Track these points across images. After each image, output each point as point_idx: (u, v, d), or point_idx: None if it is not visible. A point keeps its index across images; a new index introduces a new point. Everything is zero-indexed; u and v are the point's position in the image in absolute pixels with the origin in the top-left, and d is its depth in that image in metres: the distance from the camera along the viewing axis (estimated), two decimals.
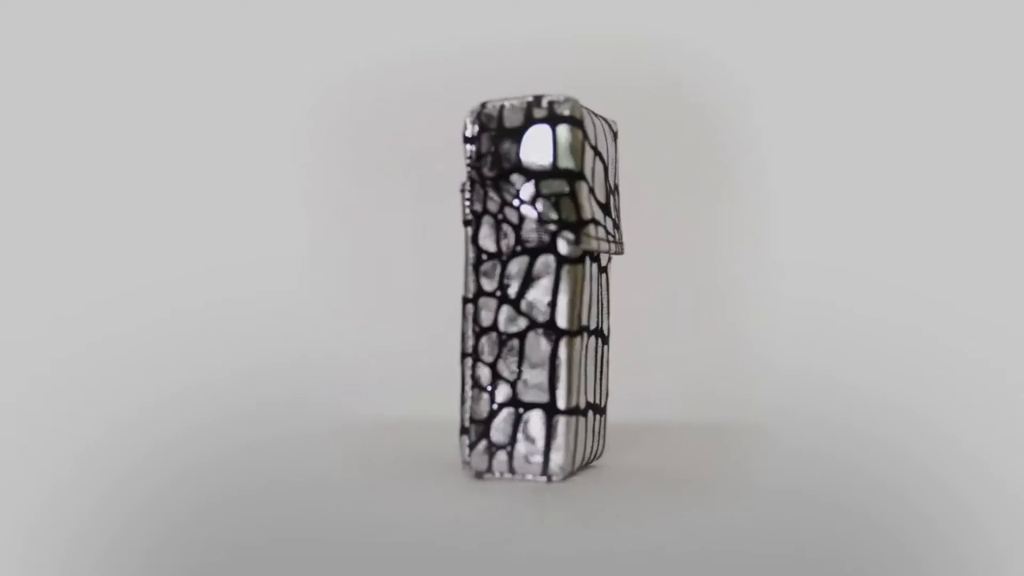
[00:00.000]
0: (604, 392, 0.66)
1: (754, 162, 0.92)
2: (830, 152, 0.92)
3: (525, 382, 0.62)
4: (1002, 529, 0.58)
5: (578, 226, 0.60)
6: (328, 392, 0.84)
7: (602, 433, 0.67)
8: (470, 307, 0.62)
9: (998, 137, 0.91)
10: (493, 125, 0.61)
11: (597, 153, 0.63)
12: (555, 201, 0.61)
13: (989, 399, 0.80)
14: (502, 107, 0.62)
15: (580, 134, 0.61)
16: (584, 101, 0.66)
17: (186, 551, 0.53)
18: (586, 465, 0.66)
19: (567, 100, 0.61)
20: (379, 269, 0.89)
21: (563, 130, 0.61)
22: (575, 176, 0.61)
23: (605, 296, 0.66)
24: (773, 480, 0.66)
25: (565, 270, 0.61)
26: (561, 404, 0.61)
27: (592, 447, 0.66)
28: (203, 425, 0.76)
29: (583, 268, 0.62)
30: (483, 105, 0.62)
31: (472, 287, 0.62)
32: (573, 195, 0.60)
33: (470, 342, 0.63)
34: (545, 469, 0.62)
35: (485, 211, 0.62)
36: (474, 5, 0.92)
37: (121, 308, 0.88)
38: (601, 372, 0.66)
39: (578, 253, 0.61)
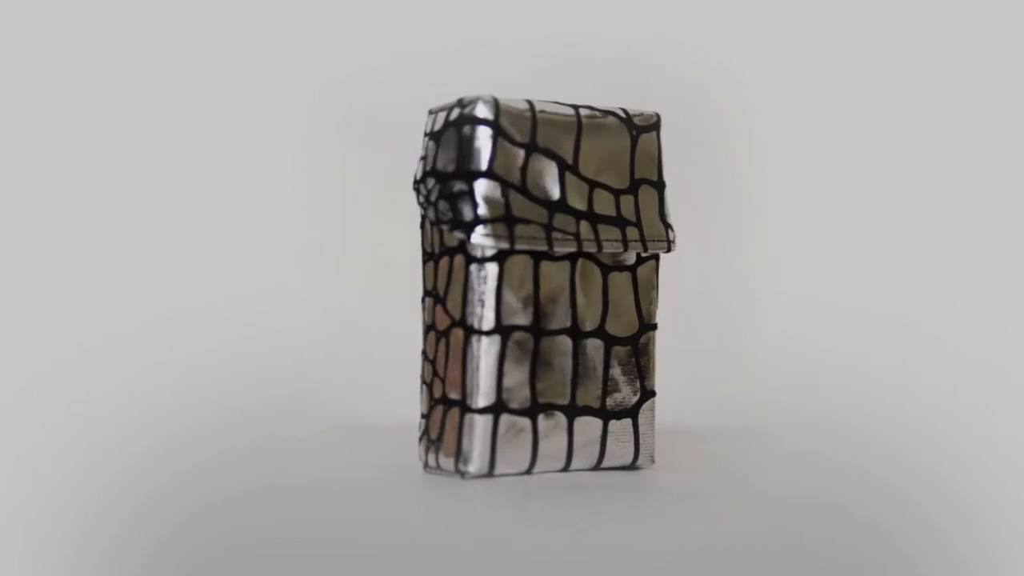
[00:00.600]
0: (604, 393, 0.65)
1: (754, 162, 0.92)
2: (831, 152, 0.92)
3: (450, 380, 0.63)
4: (1002, 529, 0.58)
5: (471, 225, 0.61)
6: (327, 392, 0.84)
7: (623, 438, 0.66)
8: (420, 305, 0.65)
9: (998, 137, 0.91)
10: (429, 129, 0.65)
11: (536, 150, 0.63)
12: (453, 201, 0.62)
13: (989, 399, 0.80)
14: (437, 111, 0.65)
15: (490, 133, 0.62)
16: (582, 98, 0.66)
17: (186, 551, 0.53)
18: (596, 468, 0.66)
19: (478, 100, 0.62)
20: (378, 269, 0.89)
21: (468, 131, 0.62)
22: (476, 175, 0.62)
23: (621, 296, 0.65)
24: (772, 480, 0.66)
25: (476, 269, 0.62)
26: (473, 403, 0.62)
27: (581, 452, 0.65)
28: (203, 425, 0.76)
29: (496, 267, 0.62)
30: (430, 111, 0.65)
31: (422, 286, 0.65)
32: (471, 194, 0.61)
33: (422, 340, 0.65)
34: (457, 466, 0.63)
35: (425, 213, 0.64)
36: (479, 4, 0.92)
37: (121, 308, 0.88)
38: (607, 373, 0.65)
39: (484, 252, 0.62)
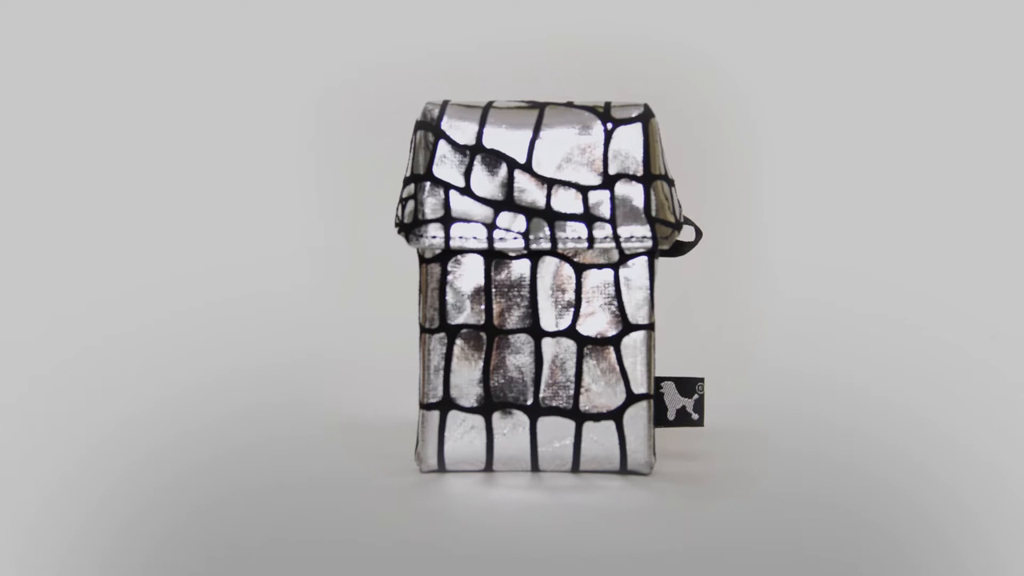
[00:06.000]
0: (577, 395, 0.64)
1: (753, 161, 0.92)
2: (829, 150, 0.92)
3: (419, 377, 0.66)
4: (1002, 529, 0.58)
5: (409, 227, 0.64)
6: (327, 392, 0.84)
7: (603, 442, 0.64)
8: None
9: (998, 136, 0.91)
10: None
11: (483, 151, 0.64)
12: (402, 204, 0.65)
13: (989, 399, 0.80)
14: None
15: (426, 137, 0.65)
16: (577, 96, 0.66)
17: (186, 551, 0.53)
18: (575, 471, 0.65)
19: (426, 105, 0.65)
20: (379, 268, 0.89)
21: (413, 137, 0.65)
22: (416, 179, 0.64)
23: (598, 295, 0.64)
24: (772, 480, 0.66)
25: (424, 269, 0.65)
26: (423, 399, 0.65)
27: (548, 453, 0.64)
28: (203, 425, 0.76)
29: (438, 267, 0.64)
30: None
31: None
32: (412, 197, 0.64)
33: None
34: (417, 458, 0.65)
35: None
36: (483, 3, 0.92)
37: (121, 308, 0.88)
38: (580, 374, 0.64)
39: (428, 253, 0.64)
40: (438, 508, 0.59)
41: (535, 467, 0.64)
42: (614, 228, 0.64)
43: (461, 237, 0.64)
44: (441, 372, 0.64)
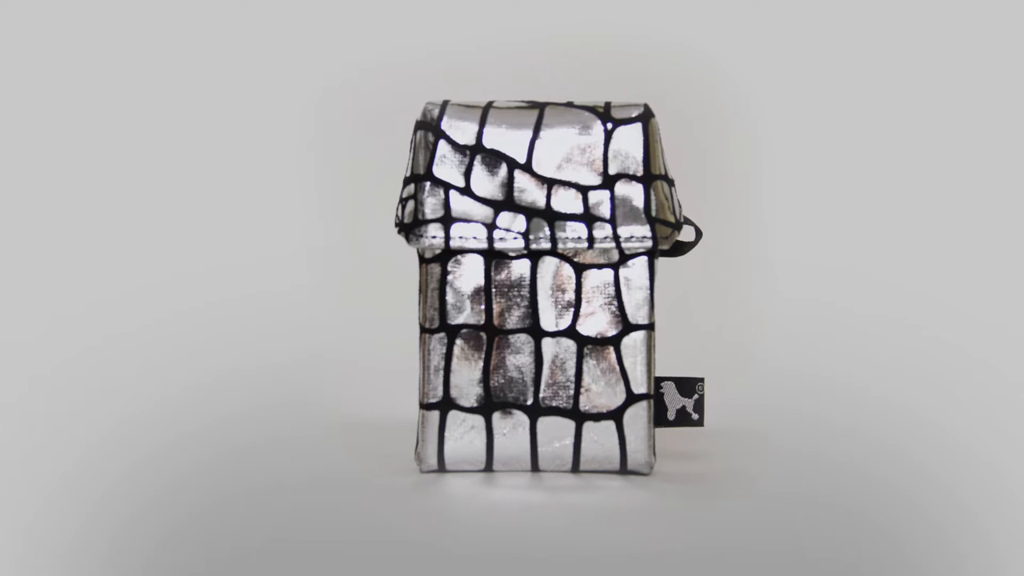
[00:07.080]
0: (577, 395, 0.64)
1: (751, 160, 0.92)
2: (829, 151, 0.92)
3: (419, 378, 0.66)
4: (1002, 529, 0.58)
5: (409, 227, 0.64)
6: (327, 392, 0.84)
7: (603, 442, 0.64)
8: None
9: (997, 136, 0.91)
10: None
11: (483, 151, 0.64)
12: (402, 204, 0.65)
13: (989, 399, 0.80)
14: None
15: (426, 137, 0.65)
16: (576, 96, 0.66)
17: (186, 551, 0.53)
18: (575, 471, 0.65)
19: (425, 105, 0.65)
20: (379, 268, 0.89)
21: (413, 137, 0.65)
22: (416, 179, 0.64)
23: (598, 295, 0.64)
24: (772, 480, 0.66)
25: (424, 269, 0.65)
26: (423, 399, 0.65)
27: (548, 453, 0.64)
28: (203, 425, 0.76)
29: (438, 267, 0.64)
30: None
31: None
32: (412, 197, 0.64)
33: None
34: (417, 458, 0.65)
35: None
36: (483, 3, 0.92)
37: (121, 308, 0.88)
38: (580, 374, 0.64)
39: (428, 253, 0.64)
40: (438, 508, 0.59)
41: (535, 467, 0.65)
42: (614, 228, 0.64)
43: (461, 237, 0.64)
44: (441, 372, 0.64)
